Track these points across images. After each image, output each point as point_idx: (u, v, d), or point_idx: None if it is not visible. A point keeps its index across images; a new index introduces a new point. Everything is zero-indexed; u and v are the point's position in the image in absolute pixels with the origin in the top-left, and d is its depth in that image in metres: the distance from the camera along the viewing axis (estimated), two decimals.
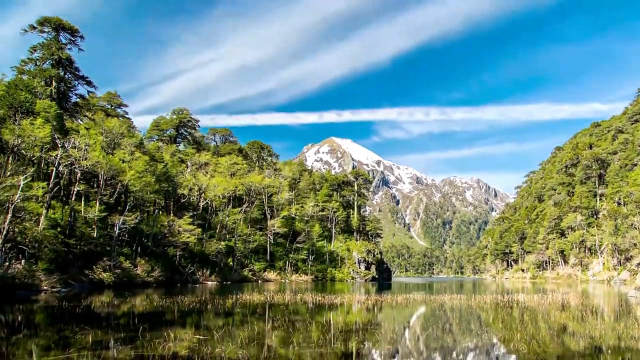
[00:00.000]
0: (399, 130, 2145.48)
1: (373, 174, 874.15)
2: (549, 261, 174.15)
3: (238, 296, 46.25)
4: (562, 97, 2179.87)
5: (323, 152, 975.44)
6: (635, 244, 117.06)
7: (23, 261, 47.31)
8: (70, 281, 54.12)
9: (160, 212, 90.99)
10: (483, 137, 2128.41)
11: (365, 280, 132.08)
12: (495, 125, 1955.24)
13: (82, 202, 67.50)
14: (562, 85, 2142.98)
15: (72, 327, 21.84)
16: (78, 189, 65.83)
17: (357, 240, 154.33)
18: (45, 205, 56.63)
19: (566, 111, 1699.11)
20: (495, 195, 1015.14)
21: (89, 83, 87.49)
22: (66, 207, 64.37)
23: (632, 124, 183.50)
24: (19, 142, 58.29)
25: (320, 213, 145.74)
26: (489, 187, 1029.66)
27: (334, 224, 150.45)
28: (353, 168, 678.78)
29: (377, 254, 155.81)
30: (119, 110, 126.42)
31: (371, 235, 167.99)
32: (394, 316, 31.97)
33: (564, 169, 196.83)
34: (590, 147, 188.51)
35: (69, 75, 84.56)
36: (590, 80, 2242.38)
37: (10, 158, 59.05)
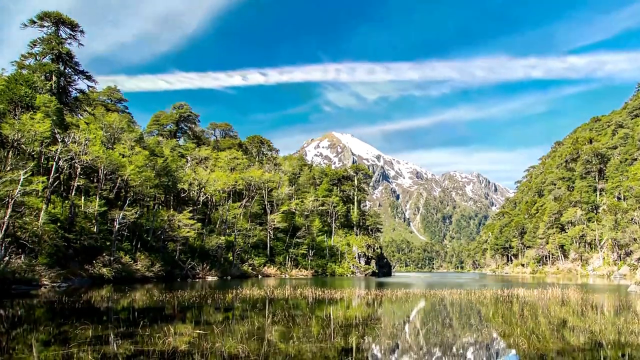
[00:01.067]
0: (350, 97, 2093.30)
1: (373, 168, 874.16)
2: (549, 256, 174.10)
3: (238, 291, 46.25)
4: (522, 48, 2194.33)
5: (323, 147, 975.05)
6: (635, 239, 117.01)
7: (23, 256, 47.29)
8: (70, 276, 54.13)
9: (160, 206, 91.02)
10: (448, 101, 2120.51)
11: (366, 275, 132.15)
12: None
13: (82, 197, 67.48)
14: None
15: (72, 322, 21.83)
16: (78, 183, 65.82)
17: (357, 235, 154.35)
18: (45, 200, 56.64)
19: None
20: (495, 189, 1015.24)
21: (88, 78, 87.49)
22: (66, 201, 64.37)
23: (632, 118, 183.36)
24: (19, 136, 58.25)
25: (320, 208, 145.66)
26: (489, 182, 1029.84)
27: (334, 218, 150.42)
28: (353, 163, 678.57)
29: (377, 248, 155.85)
30: (119, 105, 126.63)
31: (371, 230, 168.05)
32: (394, 311, 31.96)
33: (564, 164, 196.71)
34: (590, 142, 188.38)
35: (69, 70, 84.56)
36: None
37: (11, 152, 59.01)
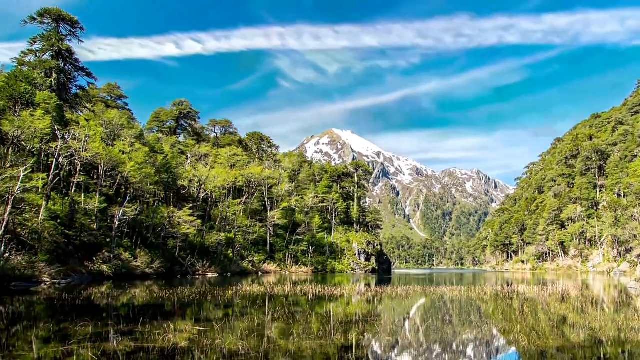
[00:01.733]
0: (308, 69, 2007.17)
1: (373, 165, 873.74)
2: (549, 252, 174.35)
3: (238, 288, 46.35)
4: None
5: (323, 144, 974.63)
6: (635, 236, 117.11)
7: (23, 253, 47.30)
8: (70, 272, 54.12)
9: (160, 203, 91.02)
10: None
11: (366, 272, 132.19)
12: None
13: (82, 194, 67.47)
14: None
15: (72, 319, 21.86)
16: (78, 180, 65.81)
17: (357, 231, 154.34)
18: (45, 196, 56.64)
19: None
20: (495, 186, 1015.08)
21: (89, 74, 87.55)
22: (66, 198, 64.38)
23: (632, 115, 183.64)
24: (19, 133, 58.23)
25: (320, 204, 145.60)
26: (489, 179, 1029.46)
27: (334, 215, 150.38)
28: (353, 159, 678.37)
29: (377, 245, 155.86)
30: (119, 101, 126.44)
31: (371, 227, 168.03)
32: (394, 307, 32.00)
33: (564, 161, 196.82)
34: (590, 139, 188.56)
35: (69, 67, 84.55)
36: None
37: (10, 149, 59.00)
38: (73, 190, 65.04)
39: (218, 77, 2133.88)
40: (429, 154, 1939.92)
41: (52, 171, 58.85)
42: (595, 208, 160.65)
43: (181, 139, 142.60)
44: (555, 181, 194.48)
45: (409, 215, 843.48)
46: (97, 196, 66.40)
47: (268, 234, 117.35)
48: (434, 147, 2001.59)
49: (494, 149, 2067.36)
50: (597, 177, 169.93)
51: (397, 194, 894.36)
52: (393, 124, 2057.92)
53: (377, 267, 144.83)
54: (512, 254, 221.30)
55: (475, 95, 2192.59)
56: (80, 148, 63.63)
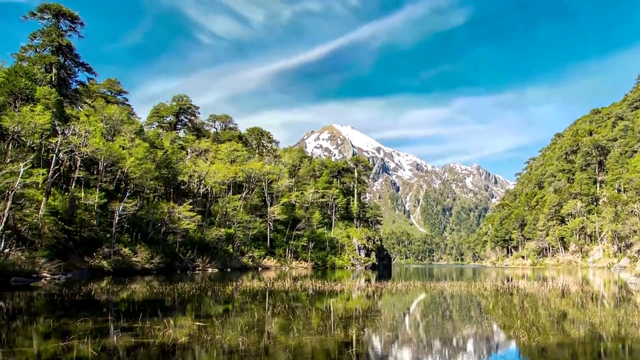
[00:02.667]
0: (229, 20, 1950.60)
1: (373, 160, 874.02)
2: (549, 248, 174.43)
3: (238, 283, 46.37)
4: None
5: (323, 139, 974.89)
6: (635, 231, 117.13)
7: (23, 248, 47.30)
8: (70, 268, 54.17)
9: (160, 199, 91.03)
10: None
11: (366, 267, 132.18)
12: None
13: (82, 189, 67.46)
14: None
15: (72, 314, 21.86)
16: (78, 175, 65.79)
17: (357, 227, 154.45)
18: (45, 192, 56.64)
19: None
20: (495, 182, 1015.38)
21: (89, 70, 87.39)
22: (66, 194, 64.40)
23: (632, 110, 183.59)
24: (19, 128, 58.21)
25: (320, 200, 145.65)
26: (489, 174, 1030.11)
27: (334, 210, 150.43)
28: (353, 155, 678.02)
29: (377, 240, 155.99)
30: (119, 97, 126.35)
31: (371, 222, 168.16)
32: (394, 303, 32.02)
33: (564, 156, 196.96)
34: (590, 134, 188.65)
35: (69, 62, 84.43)
36: None
37: (10, 145, 58.98)
38: (73, 186, 65.03)
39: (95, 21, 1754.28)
40: (386, 131, 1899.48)
41: (52, 167, 58.81)
42: (595, 203, 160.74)
43: (181, 134, 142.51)
44: (555, 176, 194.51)
45: (409, 211, 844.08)
46: (97, 192, 66.38)
47: (268, 230, 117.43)
48: (389, 122, 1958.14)
49: (456, 122, 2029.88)
50: (597, 172, 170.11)
51: (397, 189, 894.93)
52: (331, 89, 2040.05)
53: (377, 263, 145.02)
54: (512, 250, 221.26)
55: (417, 43, 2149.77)
56: (80, 143, 63.60)
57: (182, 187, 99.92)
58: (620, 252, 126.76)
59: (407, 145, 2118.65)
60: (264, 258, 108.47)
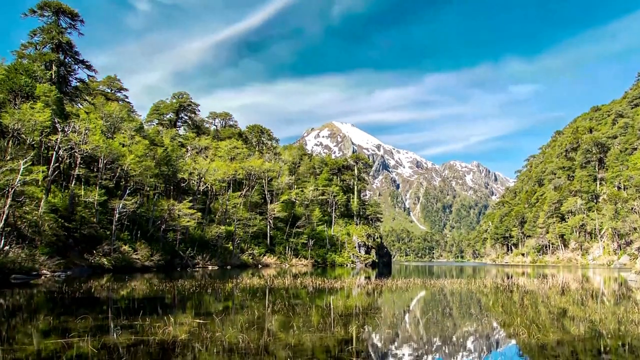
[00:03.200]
0: None
1: (373, 158, 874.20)
2: (549, 245, 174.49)
3: (238, 280, 46.39)
4: None
5: (323, 137, 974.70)
6: (635, 228, 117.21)
7: (23, 245, 47.32)
8: (70, 265, 54.22)
9: (160, 196, 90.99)
10: None
11: (366, 265, 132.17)
12: None
13: (82, 187, 67.49)
14: None
15: (72, 312, 21.88)
16: (78, 173, 65.84)
17: (357, 224, 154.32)
18: (45, 189, 56.66)
19: None
20: (495, 179, 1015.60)
21: (89, 67, 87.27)
22: (66, 191, 64.43)
23: (632, 108, 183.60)
24: (19, 126, 58.22)
25: (320, 197, 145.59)
26: (489, 171, 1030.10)
27: (334, 208, 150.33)
28: (353, 152, 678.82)
29: (377, 238, 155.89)
30: (118, 94, 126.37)
31: (371, 220, 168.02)
32: (394, 300, 32.02)
33: (564, 153, 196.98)
34: (590, 131, 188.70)
35: (69, 59, 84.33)
36: None
37: (11, 142, 59.00)
38: (73, 183, 65.05)
39: None
40: (358, 116, 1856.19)
41: (52, 164, 58.88)
42: (595, 201, 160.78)
43: (181, 131, 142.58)
44: (555, 174, 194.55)
45: (409, 208, 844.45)
46: (97, 189, 66.42)
47: (268, 227, 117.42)
48: (360, 105, 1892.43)
49: (430, 105, 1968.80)
50: (597, 169, 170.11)
51: (397, 186, 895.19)
52: (285, 63, 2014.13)
53: (377, 260, 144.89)
54: (512, 247, 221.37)
55: (372, 5, 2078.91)
56: (80, 141, 63.61)
57: (182, 184, 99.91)
58: (620, 250, 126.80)
59: (382, 132, 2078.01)
60: (264, 255, 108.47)
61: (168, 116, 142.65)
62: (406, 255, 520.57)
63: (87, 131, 65.29)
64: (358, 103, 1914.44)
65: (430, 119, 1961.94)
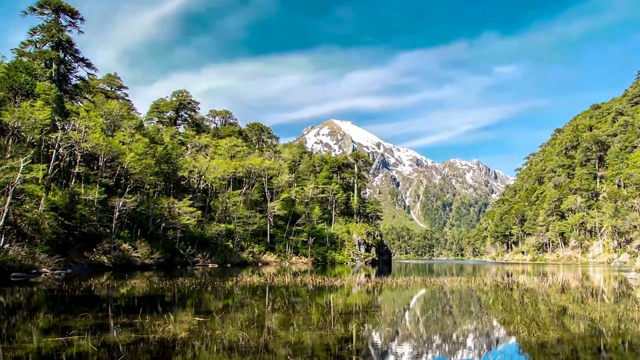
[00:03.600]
0: None
1: (373, 156, 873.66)
2: (549, 243, 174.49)
3: (238, 278, 46.40)
4: None
5: (323, 135, 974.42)
6: (635, 226, 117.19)
7: (23, 243, 47.33)
8: (70, 263, 54.23)
9: (160, 194, 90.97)
10: None
11: (366, 263, 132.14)
12: None
13: (82, 185, 67.51)
14: None
15: (72, 310, 21.87)
16: (78, 171, 65.87)
17: (357, 222, 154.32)
18: (45, 187, 56.66)
19: None
20: (495, 177, 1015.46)
21: (88, 65, 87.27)
22: (66, 189, 64.43)
23: (632, 106, 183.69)
24: (19, 124, 58.18)
25: (320, 195, 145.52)
26: (489, 169, 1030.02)
27: (334, 206, 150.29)
28: (353, 150, 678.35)
29: (377, 236, 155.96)
30: (118, 92, 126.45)
31: (371, 218, 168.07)
32: (394, 298, 32.04)
33: (564, 151, 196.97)
34: (590, 129, 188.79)
35: (69, 58, 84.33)
36: None
37: (11, 140, 58.99)
38: (73, 181, 65.09)
39: None
40: (329, 103, 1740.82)
41: (52, 162, 58.87)
42: (595, 199, 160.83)
43: (181, 129, 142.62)
44: (555, 172, 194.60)
45: (409, 206, 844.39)
46: (97, 187, 66.43)
47: (268, 225, 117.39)
48: (331, 90, 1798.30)
49: (405, 89, 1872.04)
50: (597, 167, 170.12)
51: (397, 184, 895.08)
52: (240, 38, 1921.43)
53: (377, 258, 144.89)
54: (512, 245, 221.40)
55: None
56: (80, 139, 63.61)
57: (182, 182, 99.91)
58: (620, 248, 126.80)
59: (361, 121, 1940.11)
60: (264, 253, 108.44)
61: (168, 114, 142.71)
62: (406, 253, 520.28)
63: (87, 129, 65.29)
64: (329, 88, 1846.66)
65: (411, 106, 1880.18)
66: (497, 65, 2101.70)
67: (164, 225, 78.81)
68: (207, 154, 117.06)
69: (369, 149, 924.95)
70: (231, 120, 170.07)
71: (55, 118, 63.51)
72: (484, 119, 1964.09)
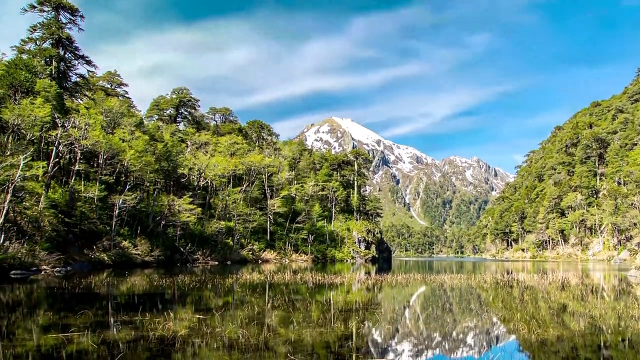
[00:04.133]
0: None
1: (373, 153, 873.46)
2: (549, 240, 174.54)
3: (238, 276, 46.41)
4: None
5: (323, 132, 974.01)
6: (635, 224, 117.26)
7: (23, 241, 47.31)
8: (70, 261, 54.22)
9: (160, 191, 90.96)
10: None
11: (366, 260, 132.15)
12: None
13: (82, 182, 67.52)
14: None
15: (72, 307, 21.86)
16: (78, 168, 65.84)
17: (357, 219, 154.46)
18: (45, 185, 56.65)
19: None
20: (495, 174, 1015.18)
21: (88, 62, 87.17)
22: (66, 186, 64.43)
23: (632, 103, 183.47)
24: (19, 121, 58.17)
25: (320, 193, 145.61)
26: (489, 167, 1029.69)
27: (334, 203, 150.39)
28: (353, 147, 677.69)
29: (377, 233, 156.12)
30: (118, 89, 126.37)
31: (371, 215, 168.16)
32: (394, 295, 32.03)
33: (564, 149, 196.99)
34: (590, 127, 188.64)
35: (69, 55, 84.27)
36: None
37: (10, 137, 58.97)
38: (73, 179, 65.09)
39: None
40: (291, 83, 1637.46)
41: (52, 159, 58.86)
42: (595, 196, 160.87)
43: (181, 127, 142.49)
44: (555, 169, 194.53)
45: (409, 204, 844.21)
46: (97, 184, 66.44)
47: (268, 223, 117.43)
48: (287, 68, 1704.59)
49: (364, 65, 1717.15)
50: (597, 165, 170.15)
51: (397, 182, 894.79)
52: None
53: (377, 255, 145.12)
54: (512, 242, 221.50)
55: None
56: (80, 136, 63.63)
57: (182, 179, 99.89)
58: (620, 245, 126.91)
59: (329, 109, 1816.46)
60: (264, 251, 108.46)
61: (168, 112, 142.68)
62: (406, 250, 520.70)
63: (87, 126, 65.31)
64: (284, 66, 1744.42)
65: (379, 86, 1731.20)
66: (467, 33, 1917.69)
67: (164, 222, 78.81)
68: (207, 152, 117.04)
69: (368, 147, 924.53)
70: (231, 118, 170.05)
71: (55, 115, 63.54)
72: (462, 102, 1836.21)
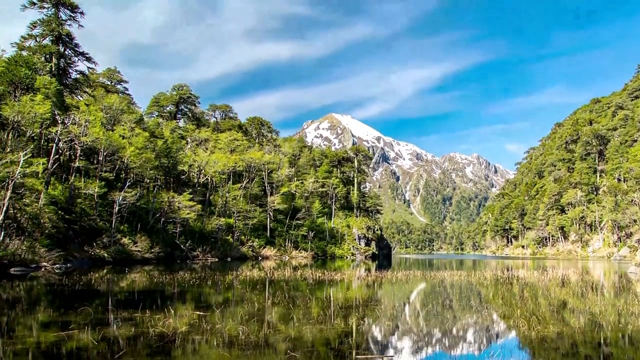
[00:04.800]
0: None
1: (373, 150, 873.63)
2: (549, 237, 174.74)
3: (238, 272, 46.39)
4: None
5: (323, 129, 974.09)
6: (635, 220, 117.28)
7: (23, 237, 47.30)
8: (70, 257, 54.17)
9: (160, 188, 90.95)
10: None
11: (365, 257, 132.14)
12: None
13: (82, 179, 67.47)
14: None
15: (72, 304, 21.86)
16: (78, 165, 65.85)
17: (357, 216, 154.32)
18: (45, 181, 56.64)
19: None
20: (495, 171, 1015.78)
21: (89, 59, 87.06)
22: (66, 183, 64.43)
23: (632, 100, 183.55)
24: (19, 118, 58.14)
25: (320, 189, 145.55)
26: (489, 163, 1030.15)
27: (334, 200, 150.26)
28: (353, 144, 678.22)
29: (377, 230, 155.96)
30: (118, 86, 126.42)
31: (371, 212, 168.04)
32: (394, 292, 32.03)
33: (564, 145, 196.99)
34: (590, 123, 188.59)
35: (69, 52, 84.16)
36: None
37: (10, 134, 58.95)
38: (73, 175, 65.06)
39: None
40: (231, 60, 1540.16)
41: (52, 156, 58.89)
42: (595, 193, 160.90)
43: (181, 123, 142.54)
44: (555, 166, 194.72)
45: (409, 200, 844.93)
46: (97, 181, 66.46)
47: (268, 219, 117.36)
48: (213, 30, 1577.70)
49: (313, 23, 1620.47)
50: (597, 161, 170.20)
51: (397, 178, 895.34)
52: None
53: (377, 252, 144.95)
54: (512, 239, 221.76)
55: None
56: (80, 133, 63.64)
57: (182, 176, 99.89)
58: (620, 242, 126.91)
59: (275, 84, 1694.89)
60: (264, 248, 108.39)
61: (168, 108, 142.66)
62: (406, 247, 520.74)
63: (87, 123, 65.32)
64: (208, 28, 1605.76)
65: (331, 55, 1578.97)
66: None
67: (164, 219, 78.82)
68: (207, 148, 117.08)
69: (369, 143, 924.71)
70: (231, 115, 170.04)
71: (55, 112, 63.52)
72: (433, 73, 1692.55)
